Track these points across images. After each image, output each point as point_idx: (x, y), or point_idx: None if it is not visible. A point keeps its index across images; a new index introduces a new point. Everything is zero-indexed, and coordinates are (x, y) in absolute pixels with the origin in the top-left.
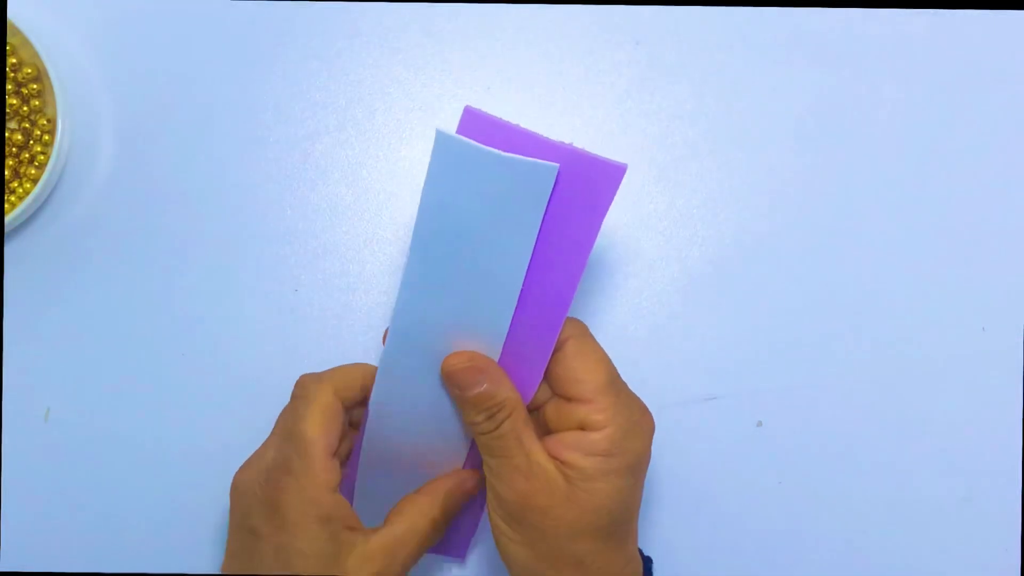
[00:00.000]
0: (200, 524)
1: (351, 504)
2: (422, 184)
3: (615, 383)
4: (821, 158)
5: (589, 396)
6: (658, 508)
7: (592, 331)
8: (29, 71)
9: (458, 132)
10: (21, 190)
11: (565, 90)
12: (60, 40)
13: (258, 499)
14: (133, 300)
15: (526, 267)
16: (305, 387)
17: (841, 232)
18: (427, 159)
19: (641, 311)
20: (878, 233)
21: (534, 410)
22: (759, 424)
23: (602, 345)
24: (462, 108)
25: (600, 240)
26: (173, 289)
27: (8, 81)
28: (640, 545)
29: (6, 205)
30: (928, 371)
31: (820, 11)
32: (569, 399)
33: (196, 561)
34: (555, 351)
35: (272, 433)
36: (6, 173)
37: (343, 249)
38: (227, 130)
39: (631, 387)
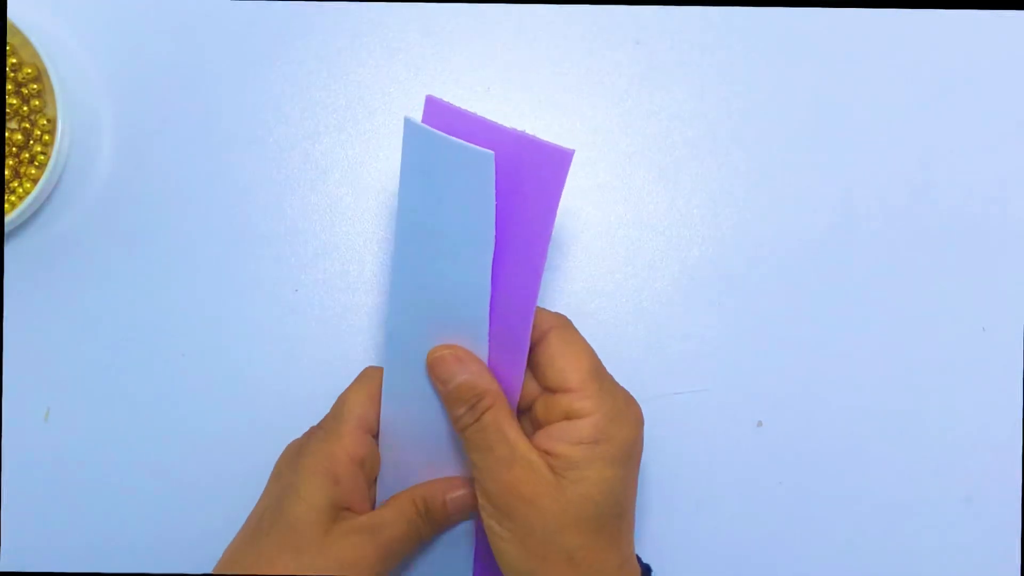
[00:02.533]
0: (201, 524)
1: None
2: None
3: (599, 372)
4: (821, 158)
5: (573, 385)
6: (658, 508)
7: (592, 331)
8: (29, 71)
9: (422, 121)
10: (21, 190)
11: (565, 90)
12: (60, 40)
13: (290, 450)
14: (133, 300)
15: (490, 256)
16: (364, 371)
17: (841, 232)
18: None
19: (641, 311)
20: (878, 233)
21: (526, 409)
22: (759, 424)
23: (602, 346)
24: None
25: (600, 240)
26: (173, 289)
27: (8, 81)
28: (639, 545)
29: (6, 205)
30: (928, 371)
31: (820, 11)
32: (554, 391)
33: (196, 561)
34: (538, 343)
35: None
36: (6, 173)
37: (343, 249)
38: (227, 130)
39: (632, 387)
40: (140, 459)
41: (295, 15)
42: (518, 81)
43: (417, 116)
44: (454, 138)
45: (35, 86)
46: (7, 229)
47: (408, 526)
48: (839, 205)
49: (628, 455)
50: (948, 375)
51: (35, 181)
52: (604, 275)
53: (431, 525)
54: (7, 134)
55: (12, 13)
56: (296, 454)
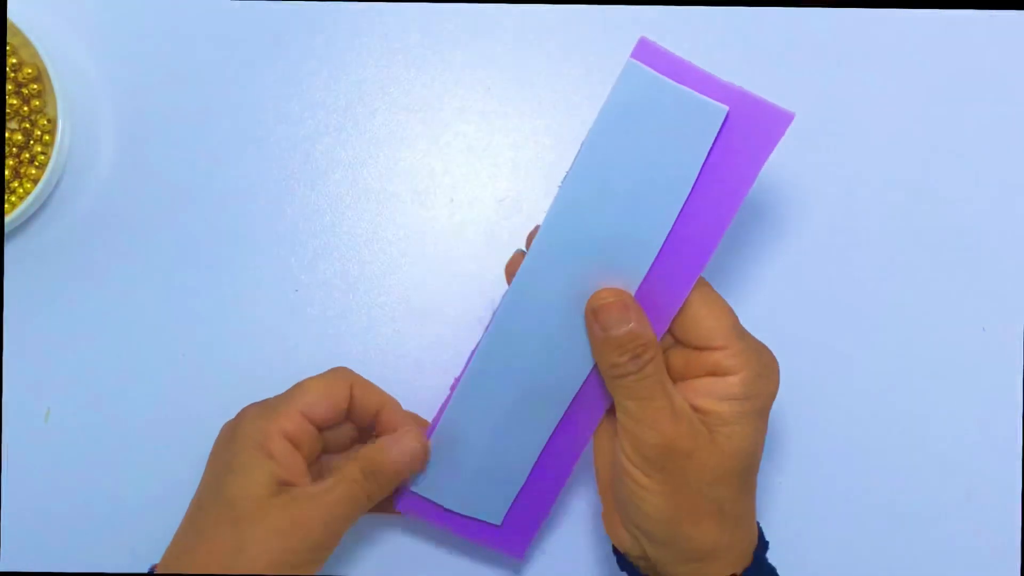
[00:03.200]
0: None
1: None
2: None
3: (740, 329)
4: (821, 158)
5: (720, 342)
6: None
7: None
8: (29, 71)
9: (632, 58)
10: (21, 190)
11: (565, 90)
12: (60, 40)
13: (225, 429)
14: (133, 300)
15: (679, 207)
16: (336, 368)
17: (841, 232)
18: (427, 159)
19: None
20: (878, 233)
21: None
22: None
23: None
24: (461, 108)
25: None
26: (173, 289)
27: (8, 81)
28: None
29: (6, 205)
30: (928, 371)
31: (820, 11)
32: (697, 347)
33: None
34: None
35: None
36: (6, 173)
37: (343, 249)
38: (227, 130)
39: None
40: (140, 459)
41: (295, 15)
42: (518, 81)
43: (427, 118)
44: (686, 88)
45: (35, 86)
46: (7, 229)
47: (351, 487)
48: (839, 205)
49: (768, 408)
50: (948, 375)
51: (35, 181)
52: None
53: (378, 484)
54: (7, 134)
55: (12, 13)
56: (231, 431)
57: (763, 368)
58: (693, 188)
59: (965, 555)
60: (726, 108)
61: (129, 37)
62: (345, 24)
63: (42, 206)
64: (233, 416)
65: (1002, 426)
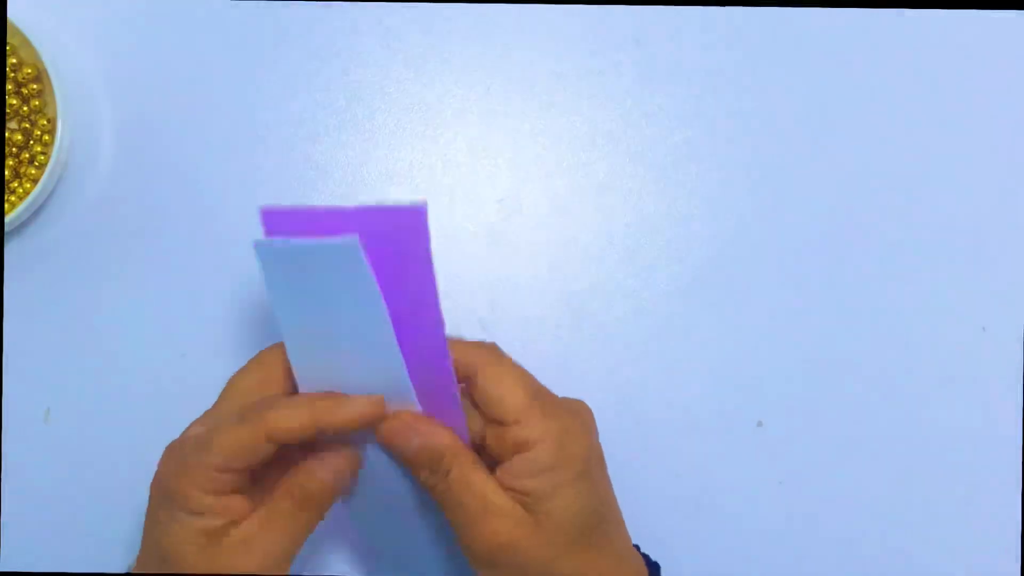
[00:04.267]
0: None
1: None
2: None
3: (536, 394)
4: (821, 158)
5: (514, 416)
6: (658, 508)
7: (593, 331)
8: (29, 71)
9: (266, 235)
10: (21, 190)
11: (565, 90)
12: (60, 40)
13: (161, 468)
14: (133, 300)
15: (392, 335)
16: (259, 355)
17: (841, 232)
18: (427, 160)
19: (641, 311)
20: (878, 233)
21: (479, 444)
22: (759, 424)
23: (601, 346)
24: (461, 108)
25: (600, 240)
26: (173, 289)
27: (8, 81)
28: (639, 545)
29: (6, 205)
30: (928, 371)
31: (820, 11)
32: (500, 423)
33: None
34: (472, 380)
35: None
36: (6, 173)
37: None
38: (227, 130)
39: (632, 386)
40: (140, 459)
41: (295, 15)
42: (518, 81)
43: (426, 118)
44: (311, 240)
45: (35, 86)
46: (7, 229)
47: (284, 523)
48: (839, 205)
49: (588, 465)
50: (948, 375)
51: (35, 181)
52: (604, 275)
53: (316, 510)
54: (7, 134)
55: (12, 13)
56: (155, 482)
57: (564, 431)
58: (393, 306)
59: (965, 555)
60: (355, 238)
61: (129, 37)
62: (345, 24)
63: (42, 206)
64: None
65: (1002, 426)
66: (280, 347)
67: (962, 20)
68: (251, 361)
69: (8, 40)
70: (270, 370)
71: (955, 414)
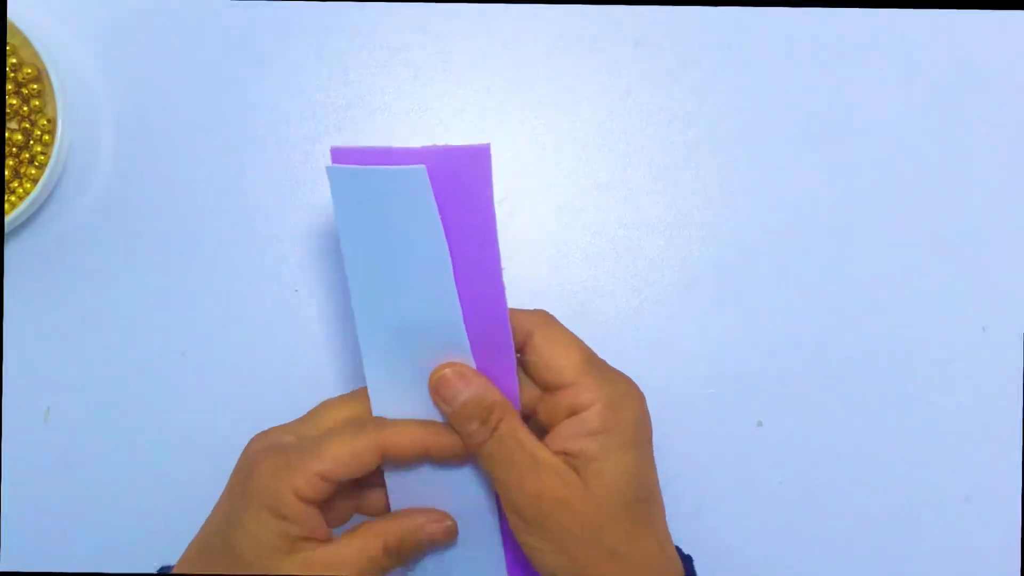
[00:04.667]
0: (200, 524)
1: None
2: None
3: (591, 360)
4: (821, 158)
5: (569, 379)
6: None
7: (592, 331)
8: (29, 71)
9: (330, 165)
10: (21, 190)
11: (565, 90)
12: (60, 40)
13: (246, 458)
14: (133, 300)
15: (450, 269)
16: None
17: (841, 232)
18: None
19: (641, 311)
20: (878, 233)
21: (530, 416)
22: (759, 424)
23: (602, 346)
24: (461, 108)
25: (600, 240)
26: (173, 289)
27: (8, 81)
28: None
29: (6, 205)
30: (928, 371)
31: (820, 11)
32: (553, 389)
33: None
34: (525, 345)
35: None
36: (6, 173)
37: None
38: (227, 130)
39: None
40: (140, 459)
41: (295, 15)
42: (518, 81)
43: (426, 118)
44: (382, 166)
45: (35, 86)
46: (7, 229)
47: (369, 564)
48: (839, 205)
49: (639, 435)
50: (948, 375)
51: (35, 181)
52: (604, 275)
53: (400, 560)
54: (7, 134)
55: (12, 13)
56: (243, 480)
57: (619, 398)
58: (454, 245)
59: (965, 555)
60: (422, 166)
61: (129, 37)
62: (345, 24)
63: (42, 206)
64: (246, 431)
65: (1002, 426)
66: (376, 426)
67: (962, 20)
68: (345, 395)
69: (8, 40)
70: (366, 442)
71: (955, 414)
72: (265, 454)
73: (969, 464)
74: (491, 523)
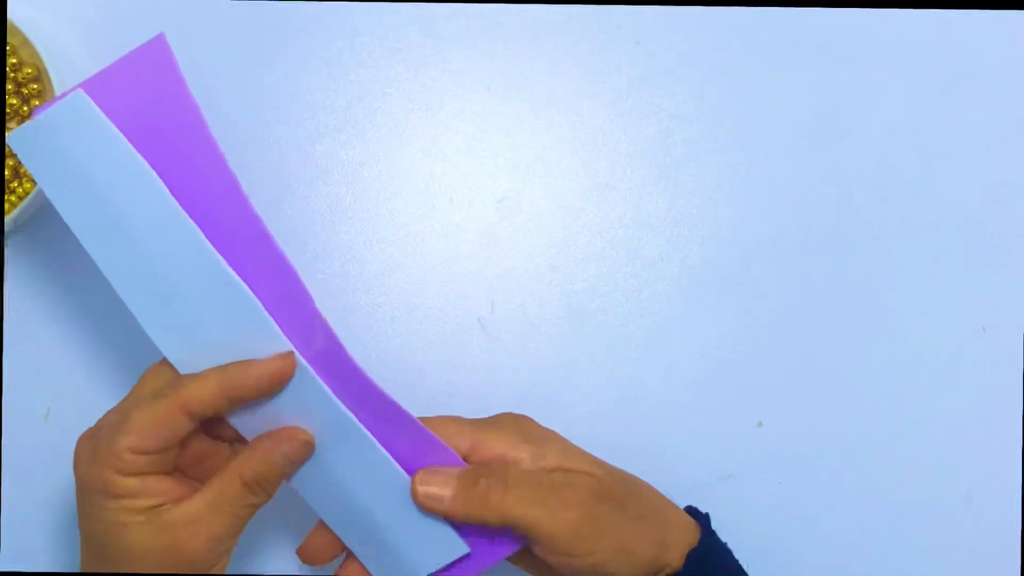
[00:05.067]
0: None
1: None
2: (421, 185)
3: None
4: (821, 158)
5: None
6: None
7: (592, 331)
8: (29, 71)
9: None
10: (21, 190)
11: (565, 90)
12: (60, 40)
13: (77, 451)
14: None
15: (165, 192)
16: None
17: (841, 232)
18: (427, 160)
19: (641, 311)
20: (878, 233)
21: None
22: (759, 424)
23: (601, 346)
24: (461, 108)
25: (600, 240)
26: None
27: (8, 81)
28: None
29: (6, 205)
30: (928, 371)
31: (820, 11)
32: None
33: None
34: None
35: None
36: (6, 173)
37: (343, 249)
38: (227, 130)
39: (632, 386)
40: None
41: (295, 15)
42: (518, 81)
43: (426, 118)
44: (43, 110)
45: (35, 86)
46: (7, 229)
47: (232, 505)
48: (839, 205)
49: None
50: (948, 375)
51: (35, 181)
52: (604, 275)
53: (265, 491)
54: (7, 134)
55: (12, 13)
56: (75, 465)
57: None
58: (168, 164)
59: (965, 555)
60: (79, 90)
61: (129, 37)
62: (345, 24)
63: (42, 205)
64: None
65: (1002, 426)
66: (183, 389)
67: (962, 20)
68: (161, 361)
69: (8, 40)
70: (171, 411)
71: (955, 414)
72: (81, 443)
73: (969, 464)
74: (350, 422)
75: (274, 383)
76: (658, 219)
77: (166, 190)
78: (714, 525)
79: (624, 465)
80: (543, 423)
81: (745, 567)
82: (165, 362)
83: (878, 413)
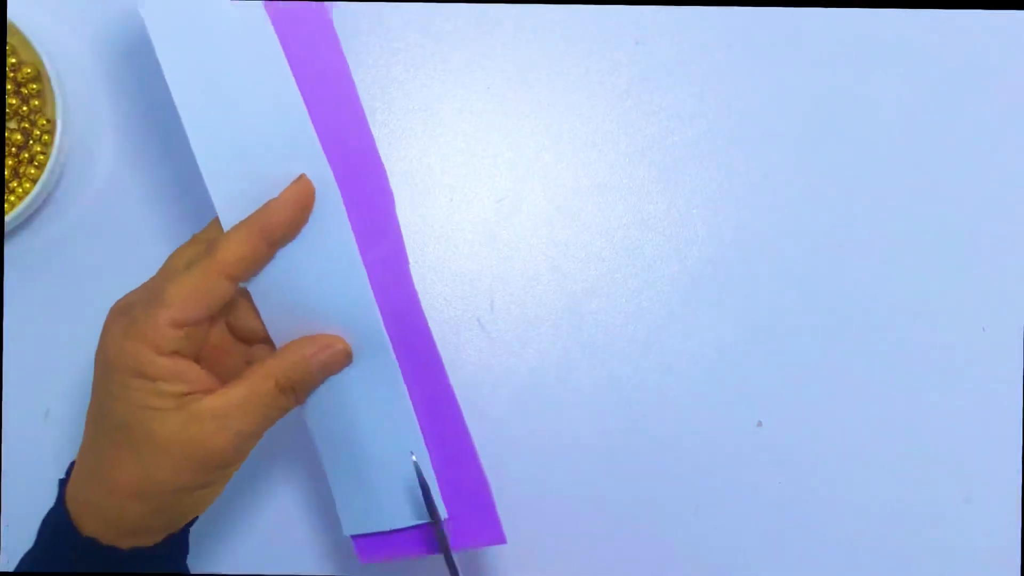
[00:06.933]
0: (199, 523)
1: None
2: (421, 185)
3: None
4: (821, 158)
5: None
6: (657, 509)
7: (592, 331)
8: (29, 71)
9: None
10: (21, 190)
11: (565, 90)
12: (60, 40)
13: (106, 333)
14: None
15: (296, 92)
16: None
17: (841, 232)
18: (427, 160)
19: (641, 311)
20: (878, 233)
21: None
22: (759, 424)
23: (601, 346)
24: (461, 108)
25: (600, 240)
26: None
27: (8, 81)
28: (640, 543)
29: (6, 205)
30: (928, 371)
31: (820, 11)
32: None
33: (196, 560)
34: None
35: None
36: (6, 173)
37: None
38: None
39: (633, 386)
40: None
41: None
42: (518, 81)
43: (426, 118)
44: None
45: (35, 86)
46: (7, 229)
47: (264, 407)
48: (839, 205)
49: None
50: (948, 375)
51: (35, 181)
52: (604, 275)
53: (297, 396)
54: (7, 134)
55: (12, 13)
56: (102, 353)
57: None
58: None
59: (965, 556)
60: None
61: (129, 37)
62: (345, 24)
63: (42, 206)
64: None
65: (1002, 426)
66: (216, 224)
67: (962, 20)
68: (195, 234)
69: (8, 40)
70: (209, 280)
71: (955, 414)
72: (112, 318)
73: (969, 464)
74: (379, 331)
75: (300, 207)
76: (658, 219)
77: (296, 92)
78: (714, 525)
79: (624, 465)
80: (542, 423)
81: (745, 566)
82: (190, 243)
83: (878, 413)
